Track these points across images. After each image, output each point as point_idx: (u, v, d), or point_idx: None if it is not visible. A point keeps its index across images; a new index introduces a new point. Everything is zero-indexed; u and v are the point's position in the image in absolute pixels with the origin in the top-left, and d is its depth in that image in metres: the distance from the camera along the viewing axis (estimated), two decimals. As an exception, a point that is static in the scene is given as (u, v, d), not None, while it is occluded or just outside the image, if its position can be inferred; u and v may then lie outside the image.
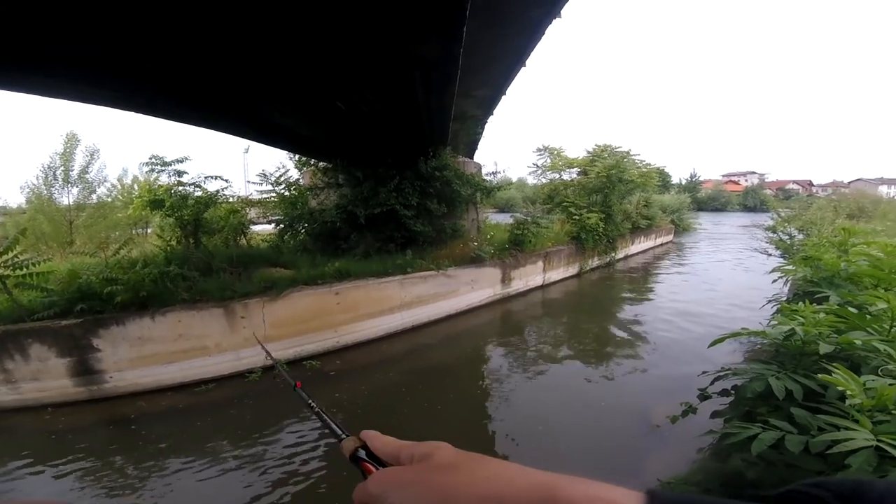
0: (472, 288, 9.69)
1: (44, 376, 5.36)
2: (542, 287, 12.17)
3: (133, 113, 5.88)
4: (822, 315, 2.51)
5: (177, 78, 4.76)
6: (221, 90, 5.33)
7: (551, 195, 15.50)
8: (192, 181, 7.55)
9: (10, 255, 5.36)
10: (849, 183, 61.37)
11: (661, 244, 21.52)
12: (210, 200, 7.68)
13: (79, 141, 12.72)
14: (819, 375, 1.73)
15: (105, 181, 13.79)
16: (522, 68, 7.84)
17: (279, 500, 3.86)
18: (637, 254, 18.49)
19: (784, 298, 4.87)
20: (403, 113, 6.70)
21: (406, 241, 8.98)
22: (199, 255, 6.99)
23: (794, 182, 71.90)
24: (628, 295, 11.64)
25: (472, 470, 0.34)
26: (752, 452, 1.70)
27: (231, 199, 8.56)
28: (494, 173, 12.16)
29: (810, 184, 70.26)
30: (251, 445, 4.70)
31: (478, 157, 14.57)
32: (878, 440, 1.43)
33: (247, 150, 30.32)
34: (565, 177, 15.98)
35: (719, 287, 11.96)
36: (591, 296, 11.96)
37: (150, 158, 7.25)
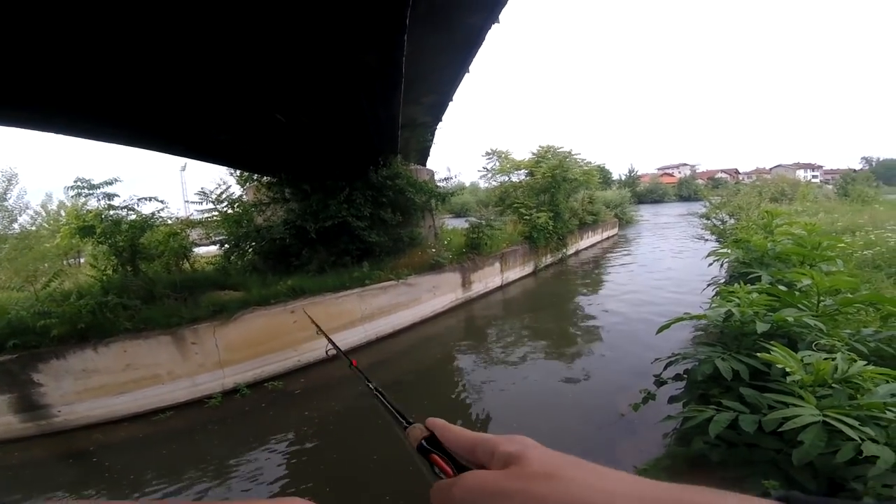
0: (434, 294, 9.64)
1: (-16, 414, 5.07)
2: (501, 287, 12.35)
3: (52, 134, 5.38)
4: (755, 295, 2.70)
5: (94, 95, 4.36)
6: (147, 108, 4.97)
7: (502, 197, 15.83)
8: (125, 204, 7.07)
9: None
10: (770, 169, 67.72)
11: (608, 237, 22.58)
12: (145, 224, 7.20)
13: (-7, 165, 11.46)
14: (759, 354, 1.84)
15: (27, 208, 12.51)
16: (467, 74, 7.98)
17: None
18: (587, 248, 19.28)
19: (722, 280, 5.24)
20: (349, 123, 6.57)
21: (362, 252, 8.77)
22: (139, 283, 6.63)
23: (723, 171, 78.23)
24: (582, 289, 12.08)
25: (580, 481, 0.30)
26: (710, 434, 1.77)
27: (169, 222, 8.03)
28: (447, 179, 12.17)
29: (737, 172, 76.77)
30: (225, 470, 4.55)
31: (430, 163, 14.58)
32: (824, 415, 1.52)
33: (184, 168, 28.33)
34: (514, 178, 16.38)
35: (665, 274, 12.71)
36: (548, 293, 12.29)
37: (76, 182, 6.69)
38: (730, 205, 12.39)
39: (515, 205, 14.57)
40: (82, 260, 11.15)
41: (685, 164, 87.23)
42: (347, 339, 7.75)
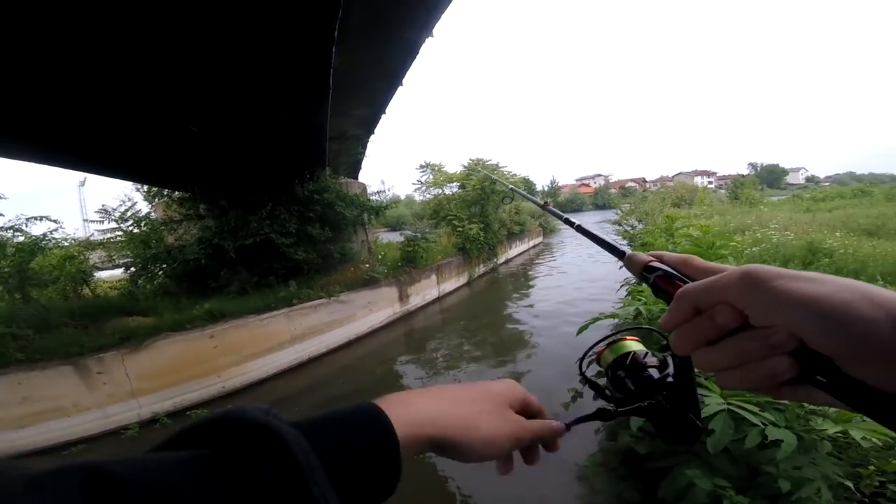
0: (371, 310, 9.43)
1: None
2: (439, 299, 12.45)
3: None
4: (661, 293, 3.02)
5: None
6: (35, 115, 4.34)
7: (437, 210, 16.07)
8: (10, 224, 6.34)
9: None
10: (672, 176, 75.99)
11: (534, 246, 23.82)
12: (35, 247, 6.45)
13: None
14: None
15: None
16: (400, 87, 8.04)
17: None
18: (515, 257, 20.17)
19: (633, 281, 5.77)
20: (271, 135, 6.28)
21: (289, 271, 8.33)
22: (30, 311, 6.06)
23: (632, 180, 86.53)
24: (513, 296, 12.57)
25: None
26: (632, 428, 1.92)
27: (65, 243, 7.22)
28: (380, 192, 12.07)
29: (644, 180, 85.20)
30: None
31: (363, 176, 14.41)
32: (728, 403, 1.69)
33: (83, 183, 24.99)
34: (447, 191, 16.72)
35: (585, 277, 13.66)
36: (483, 301, 12.63)
37: None
38: (638, 211, 13.76)
39: (449, 217, 14.85)
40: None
41: (600, 175, 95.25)
42: (277, 361, 7.32)
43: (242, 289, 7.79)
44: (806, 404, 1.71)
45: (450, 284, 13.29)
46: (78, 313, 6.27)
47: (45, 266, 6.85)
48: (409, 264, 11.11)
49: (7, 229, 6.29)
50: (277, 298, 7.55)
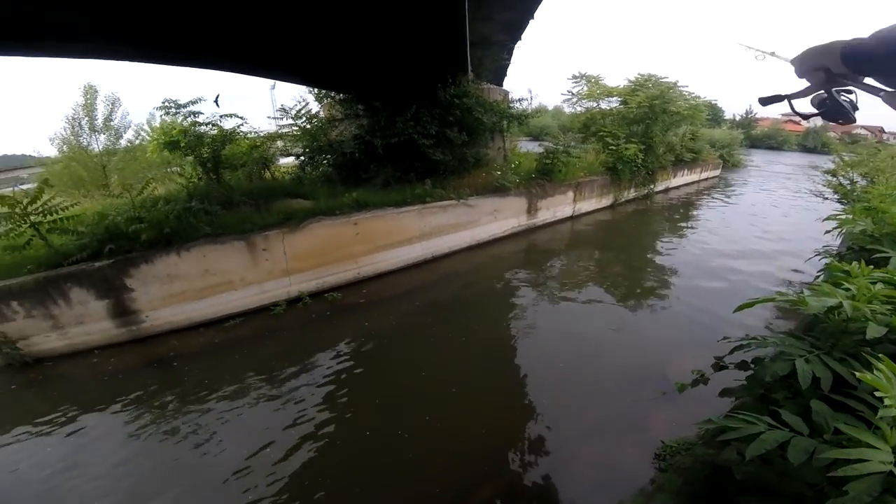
0: (495, 218, 9.44)
1: (87, 319, 5.27)
2: (572, 218, 11.77)
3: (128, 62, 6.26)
4: (878, 285, 2.12)
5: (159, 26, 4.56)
6: (215, 37, 5.11)
7: (587, 124, 14.34)
8: (208, 121, 7.59)
9: (41, 201, 5.20)
10: None
11: (706, 178, 19.99)
12: (226, 138, 7.73)
13: (97, 91, 13.55)
14: (857, 374, 1.44)
15: (129, 126, 14.31)
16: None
17: (322, 424, 4.09)
18: (679, 186, 17.44)
19: (836, 251, 4.34)
20: (409, 38, 6.19)
21: (426, 170, 8.68)
22: (220, 190, 7.13)
23: (864, 127, 62.22)
24: (663, 232, 11.01)
25: None
26: (747, 456, 1.48)
27: (252, 135, 8.57)
28: (522, 100, 11.09)
29: (882, 130, 60.54)
30: (289, 378, 4.83)
31: (510, 85, 13.63)
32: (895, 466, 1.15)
33: (273, 87, 29.67)
34: (603, 106, 14.55)
35: (764, 230, 11.10)
36: (623, 230, 11.41)
37: (164, 102, 7.25)
38: (867, 164, 9.88)
39: (601, 133, 13.13)
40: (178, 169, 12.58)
41: (817, 114, 70.60)
42: (404, 255, 7.99)
43: (386, 182, 8.45)
44: None
45: (588, 204, 12.32)
46: (255, 193, 7.24)
47: (235, 153, 8.18)
48: (543, 177, 10.53)
49: (206, 124, 7.60)
50: (413, 195, 8.00)
